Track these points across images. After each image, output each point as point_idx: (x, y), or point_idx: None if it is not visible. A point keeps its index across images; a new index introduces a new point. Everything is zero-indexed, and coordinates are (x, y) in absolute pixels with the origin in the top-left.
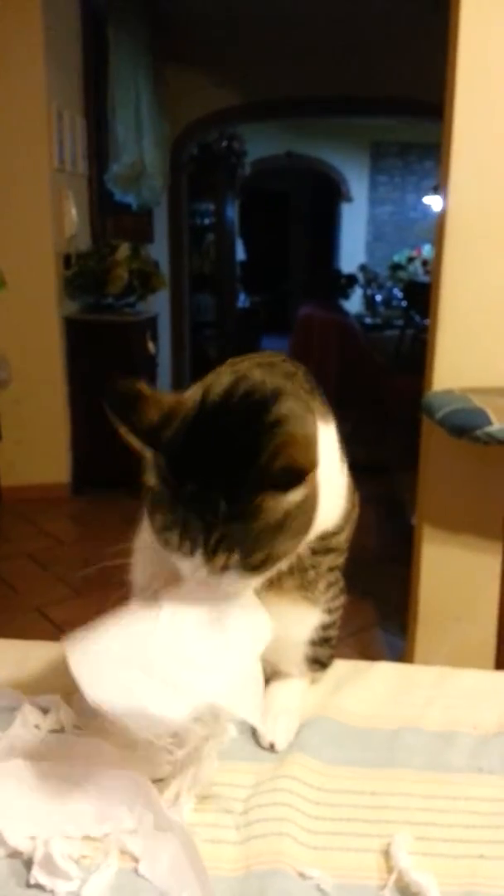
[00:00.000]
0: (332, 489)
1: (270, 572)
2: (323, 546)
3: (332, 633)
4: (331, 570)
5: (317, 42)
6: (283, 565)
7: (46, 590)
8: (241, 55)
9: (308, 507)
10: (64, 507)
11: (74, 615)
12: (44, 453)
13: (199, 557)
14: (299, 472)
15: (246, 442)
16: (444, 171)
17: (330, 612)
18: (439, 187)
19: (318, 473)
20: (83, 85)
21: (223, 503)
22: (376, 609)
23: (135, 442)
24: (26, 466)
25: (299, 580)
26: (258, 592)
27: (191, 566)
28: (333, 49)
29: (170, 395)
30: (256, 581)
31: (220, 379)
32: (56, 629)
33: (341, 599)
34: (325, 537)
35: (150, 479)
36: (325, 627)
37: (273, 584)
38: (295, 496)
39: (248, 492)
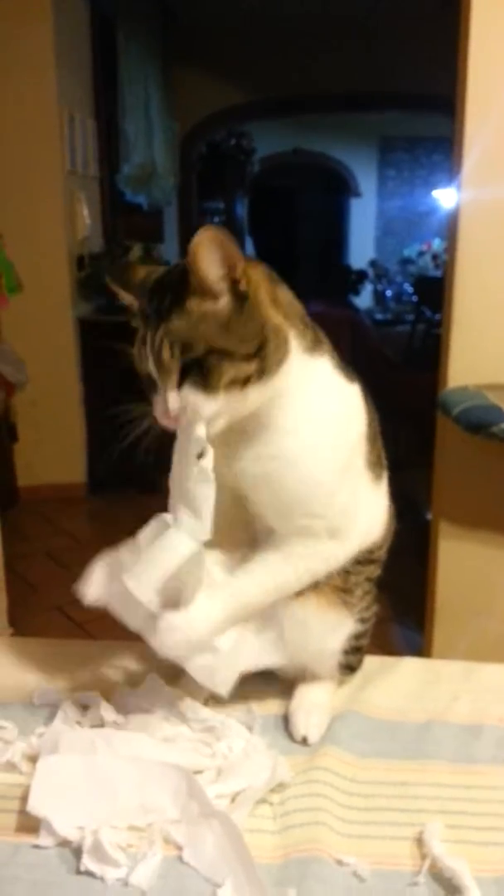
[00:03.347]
0: (375, 506)
1: (224, 394)
2: (367, 557)
3: (364, 641)
4: (368, 580)
5: (323, 38)
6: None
7: (66, 588)
8: (247, 53)
9: (247, 321)
10: (81, 506)
11: (95, 614)
12: (60, 453)
13: (160, 381)
14: (202, 276)
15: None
16: (457, 165)
17: (363, 621)
18: (452, 181)
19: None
20: (93, 88)
21: (164, 310)
22: (392, 603)
23: (127, 297)
24: (43, 466)
25: (342, 581)
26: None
27: (160, 402)
28: (340, 44)
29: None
30: (213, 403)
31: None
32: (77, 627)
33: (373, 609)
34: (371, 550)
35: (136, 323)
36: (357, 637)
37: (316, 584)
38: (218, 303)
39: (179, 299)
